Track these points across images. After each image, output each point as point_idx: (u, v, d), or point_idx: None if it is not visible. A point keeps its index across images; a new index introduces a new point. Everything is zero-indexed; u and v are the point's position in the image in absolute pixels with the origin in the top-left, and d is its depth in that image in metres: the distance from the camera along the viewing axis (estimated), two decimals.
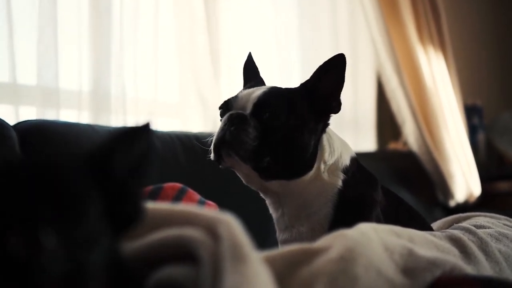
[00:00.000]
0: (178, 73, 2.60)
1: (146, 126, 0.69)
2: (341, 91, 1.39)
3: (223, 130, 1.33)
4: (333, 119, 1.45)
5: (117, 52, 2.30)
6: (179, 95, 2.62)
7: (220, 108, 1.43)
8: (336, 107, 1.40)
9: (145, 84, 2.46)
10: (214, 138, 1.35)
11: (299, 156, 1.36)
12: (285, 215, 1.42)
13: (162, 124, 2.61)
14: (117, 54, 2.30)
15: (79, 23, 2.22)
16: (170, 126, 2.59)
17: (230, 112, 1.35)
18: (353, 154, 1.48)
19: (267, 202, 1.47)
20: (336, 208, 1.36)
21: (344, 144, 1.47)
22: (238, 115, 1.33)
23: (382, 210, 1.40)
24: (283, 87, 1.43)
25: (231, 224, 0.69)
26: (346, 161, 1.43)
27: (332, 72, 1.37)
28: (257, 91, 1.38)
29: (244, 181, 1.43)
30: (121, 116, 2.27)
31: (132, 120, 2.36)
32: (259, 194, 1.51)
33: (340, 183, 1.39)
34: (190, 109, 2.59)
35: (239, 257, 0.63)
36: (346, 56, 1.37)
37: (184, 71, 2.58)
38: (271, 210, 1.47)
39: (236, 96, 1.41)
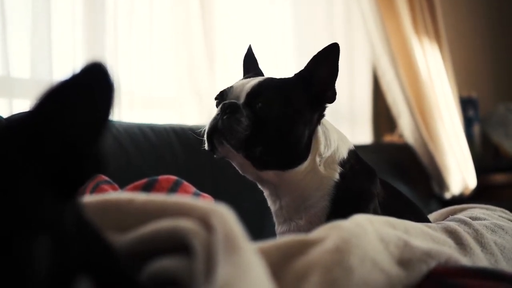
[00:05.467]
0: (174, 66, 2.59)
1: (96, 73, 0.59)
2: (335, 80, 1.39)
3: (216, 119, 1.34)
4: (329, 112, 1.45)
5: (112, 45, 2.29)
6: (175, 89, 2.61)
7: (215, 98, 1.44)
8: (331, 96, 1.40)
9: (140, 78, 2.45)
10: (206, 127, 1.36)
11: (292, 146, 1.36)
12: (283, 208, 1.42)
13: (157, 118, 2.60)
14: (112, 48, 2.29)
15: (73, 16, 2.20)
16: (166, 120, 2.58)
17: (224, 102, 1.36)
18: (351, 147, 1.48)
19: (265, 194, 1.47)
20: (333, 201, 1.37)
21: (342, 136, 1.47)
22: (230, 104, 1.34)
23: (380, 202, 1.40)
24: (279, 77, 1.43)
25: (225, 215, 0.69)
26: (343, 154, 1.43)
27: (326, 62, 1.37)
28: (252, 81, 1.39)
29: (239, 171, 1.43)
30: (116, 110, 2.27)
31: (127, 114, 2.35)
32: (255, 189, 1.51)
33: (337, 176, 1.39)
34: (185, 102, 2.58)
35: (232, 247, 0.63)
36: (341, 49, 1.37)
37: (180, 65, 2.57)
38: (269, 203, 1.47)
39: (231, 87, 1.41)
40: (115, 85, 0.60)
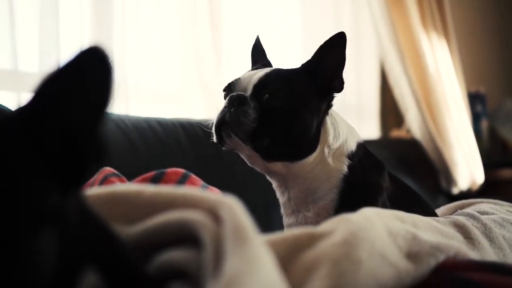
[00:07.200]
0: (181, 60, 2.59)
1: (94, 56, 0.57)
2: (343, 69, 1.39)
3: (223, 111, 1.34)
4: (336, 106, 1.45)
5: (120, 39, 2.29)
6: (182, 83, 2.61)
7: (224, 90, 1.44)
8: (338, 85, 1.40)
9: (148, 71, 2.45)
10: (214, 120, 1.36)
11: (300, 137, 1.37)
12: (292, 200, 1.43)
13: (164, 112, 2.60)
14: (120, 41, 2.29)
15: (81, 10, 2.21)
16: (173, 114, 2.59)
17: (231, 94, 1.36)
18: (360, 140, 1.47)
19: (274, 185, 1.48)
20: (341, 193, 1.37)
21: (350, 129, 1.47)
22: (238, 96, 1.34)
23: (388, 196, 1.40)
24: (286, 68, 1.44)
25: (234, 207, 0.68)
26: (352, 146, 1.43)
27: (333, 50, 1.38)
28: (259, 73, 1.39)
29: (248, 163, 1.43)
30: (123, 103, 2.27)
31: (135, 107, 2.36)
32: (262, 182, 1.51)
33: (345, 168, 1.39)
34: (192, 96, 2.58)
35: (241, 239, 0.63)
36: (349, 43, 1.38)
37: (187, 58, 2.57)
38: (277, 194, 1.47)
39: (238, 78, 1.42)
40: (113, 68, 0.58)
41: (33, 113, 0.58)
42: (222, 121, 1.34)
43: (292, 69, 1.42)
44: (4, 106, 1.66)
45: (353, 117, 3.47)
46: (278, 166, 1.39)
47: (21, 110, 0.58)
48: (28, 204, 0.55)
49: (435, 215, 1.49)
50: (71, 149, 0.58)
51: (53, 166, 0.58)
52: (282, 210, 1.47)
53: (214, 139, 1.38)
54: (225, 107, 1.35)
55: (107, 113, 0.60)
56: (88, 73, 0.58)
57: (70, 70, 0.58)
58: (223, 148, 1.40)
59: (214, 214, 0.69)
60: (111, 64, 0.58)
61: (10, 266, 0.52)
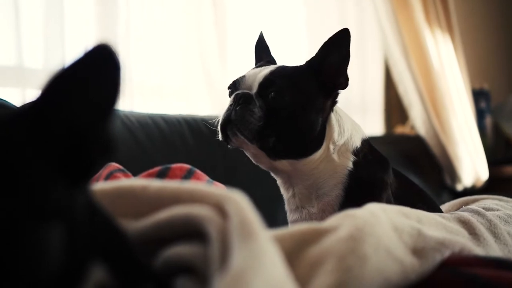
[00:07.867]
0: (185, 56, 2.58)
1: (102, 54, 0.58)
2: (347, 65, 1.39)
3: (229, 110, 1.35)
4: (341, 103, 1.45)
5: (124, 35, 2.29)
6: (186, 79, 2.61)
7: (228, 88, 1.44)
8: (343, 82, 1.40)
9: (152, 68, 2.45)
10: (220, 118, 1.37)
11: (305, 135, 1.37)
12: (296, 196, 1.43)
13: (169, 108, 2.60)
14: (124, 38, 2.29)
15: (86, 6, 2.21)
16: (177, 110, 2.59)
17: (236, 92, 1.36)
18: (365, 136, 1.48)
19: (278, 182, 1.48)
20: (346, 190, 1.37)
21: (355, 125, 1.47)
22: (243, 95, 1.34)
23: (393, 191, 1.40)
24: (291, 65, 1.43)
25: (240, 202, 0.68)
26: (356, 142, 1.43)
27: (337, 47, 1.38)
28: (264, 71, 1.39)
29: (253, 161, 1.44)
30: (128, 100, 2.27)
31: (140, 104, 2.36)
32: (267, 178, 1.51)
33: (350, 164, 1.39)
34: (197, 92, 2.58)
35: (247, 234, 0.63)
36: (353, 39, 1.38)
37: (191, 55, 2.57)
38: (282, 190, 1.48)
39: (243, 76, 1.42)
40: (121, 65, 0.59)
41: (41, 109, 0.58)
42: (228, 119, 1.34)
43: (296, 67, 1.42)
44: (9, 102, 1.67)
45: (357, 113, 3.46)
46: (283, 164, 1.39)
47: (29, 106, 0.58)
48: (33, 199, 0.55)
49: (440, 211, 1.49)
50: (78, 145, 0.59)
51: (61, 161, 0.58)
52: (286, 206, 1.47)
53: (220, 137, 1.38)
54: (230, 105, 1.35)
55: (115, 110, 0.60)
56: (96, 70, 0.58)
57: (78, 67, 0.58)
58: (229, 146, 1.40)
59: (220, 209, 0.69)
60: (119, 61, 0.58)
61: (16, 261, 0.52)
